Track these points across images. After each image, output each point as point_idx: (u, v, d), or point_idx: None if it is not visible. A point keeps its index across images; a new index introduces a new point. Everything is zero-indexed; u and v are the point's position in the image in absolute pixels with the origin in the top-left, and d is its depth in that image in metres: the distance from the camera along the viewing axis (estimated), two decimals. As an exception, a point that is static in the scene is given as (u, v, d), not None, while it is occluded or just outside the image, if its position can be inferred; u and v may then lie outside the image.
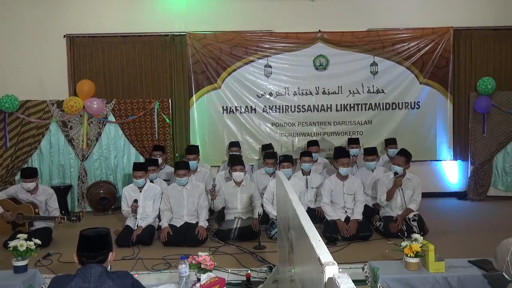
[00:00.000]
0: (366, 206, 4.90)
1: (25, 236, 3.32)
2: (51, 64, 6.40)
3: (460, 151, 6.65)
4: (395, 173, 4.63)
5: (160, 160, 5.63)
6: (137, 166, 4.78)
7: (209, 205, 4.91)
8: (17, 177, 5.96)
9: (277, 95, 6.71)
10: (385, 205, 4.79)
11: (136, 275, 3.01)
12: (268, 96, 6.67)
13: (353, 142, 6.05)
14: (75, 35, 6.41)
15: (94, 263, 2.17)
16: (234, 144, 6.17)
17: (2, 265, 3.80)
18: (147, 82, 6.50)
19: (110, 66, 6.46)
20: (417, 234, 3.15)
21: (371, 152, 5.38)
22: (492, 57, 6.54)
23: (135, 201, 4.65)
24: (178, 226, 4.64)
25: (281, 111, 6.71)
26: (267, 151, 5.79)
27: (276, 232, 4.31)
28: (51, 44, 6.40)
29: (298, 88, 6.70)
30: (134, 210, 4.62)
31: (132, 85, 6.50)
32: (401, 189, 4.62)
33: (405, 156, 4.70)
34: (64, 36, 6.45)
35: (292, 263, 2.03)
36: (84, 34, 6.40)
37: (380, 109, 6.74)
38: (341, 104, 6.72)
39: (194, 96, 6.60)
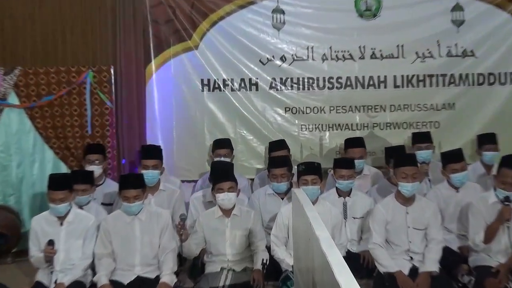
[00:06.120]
0: (446, 250, 4.75)
1: None
2: None
3: None
4: (506, 199, 4.47)
5: (97, 171, 5.49)
6: (54, 183, 4.63)
7: (178, 248, 4.75)
8: None
9: (294, 60, 6.42)
10: (481, 250, 4.62)
11: None
12: (278, 62, 6.43)
13: (422, 139, 5.86)
14: None
15: None
16: (222, 144, 6.02)
17: None
18: (73, 40, 6.36)
19: (12, 15, 6.30)
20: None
21: (455, 158, 5.14)
22: None
23: (50, 242, 4.48)
24: (126, 283, 4.50)
25: (300, 87, 6.47)
26: (275, 155, 5.66)
27: (293, 293, 4.36)
28: None
29: (330, 48, 6.38)
30: (49, 258, 4.46)
31: (49, 45, 6.36)
32: (508, 226, 4.51)
33: None
34: None
35: None
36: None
37: (469, 84, 6.47)
38: (401, 76, 6.42)
39: (153, 62, 6.36)
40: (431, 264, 4.45)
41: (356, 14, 6.32)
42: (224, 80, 6.37)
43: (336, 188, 5.12)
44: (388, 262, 4.50)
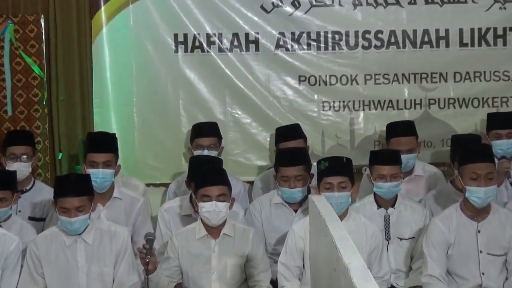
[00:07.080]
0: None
1: None
2: None
3: None
4: None
5: (24, 170, 5.02)
6: None
7: (141, 282, 4.27)
8: None
9: (312, 5, 5.85)
10: None
11: None
12: (289, 9, 5.89)
13: (501, 123, 5.33)
14: None
15: None
16: (205, 130, 5.54)
17: None
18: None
19: None
20: None
21: None
22: None
23: (-48, 274, 4.38)
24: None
25: (322, 46, 5.89)
26: (285, 147, 5.25)
27: None
28: None
29: (365, -13, 6.45)
30: (-51, 299, 4.36)
31: None
32: None
33: None
34: None
35: None
36: None
37: None
38: (471, 30, 5.83)
39: (103, 9, 5.84)
40: (514, 308, 4.52)
41: None
42: (208, 36, 5.84)
43: (374, 194, 4.69)
44: (450, 303, 4.58)
